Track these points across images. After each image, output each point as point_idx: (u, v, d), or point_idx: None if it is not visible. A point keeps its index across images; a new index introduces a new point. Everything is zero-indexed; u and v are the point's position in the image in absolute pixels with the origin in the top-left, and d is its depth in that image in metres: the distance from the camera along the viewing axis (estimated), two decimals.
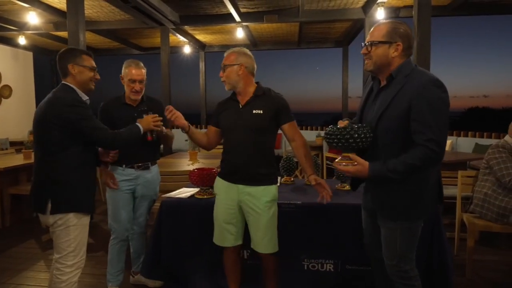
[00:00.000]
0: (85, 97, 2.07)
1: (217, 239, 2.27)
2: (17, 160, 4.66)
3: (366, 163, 1.70)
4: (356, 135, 1.71)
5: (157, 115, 2.33)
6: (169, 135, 2.68)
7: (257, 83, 2.22)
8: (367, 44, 1.76)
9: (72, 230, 2.00)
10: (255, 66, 2.20)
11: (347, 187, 2.80)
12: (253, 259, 2.52)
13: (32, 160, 4.58)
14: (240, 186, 2.17)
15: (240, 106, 2.18)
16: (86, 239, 2.11)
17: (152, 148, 2.65)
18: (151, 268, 2.57)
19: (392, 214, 1.78)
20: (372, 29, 1.79)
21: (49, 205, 1.96)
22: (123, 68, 2.59)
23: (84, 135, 1.98)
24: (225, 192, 2.22)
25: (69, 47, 2.13)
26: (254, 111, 2.13)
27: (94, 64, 2.13)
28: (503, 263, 3.26)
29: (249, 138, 2.12)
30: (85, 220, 2.06)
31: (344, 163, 1.74)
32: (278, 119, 2.17)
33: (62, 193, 1.97)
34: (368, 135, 1.72)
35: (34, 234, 4.13)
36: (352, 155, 1.74)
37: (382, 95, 1.77)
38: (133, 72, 2.53)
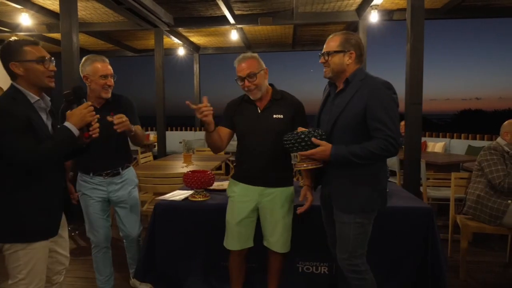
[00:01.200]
0: (34, 98, 1.69)
1: (230, 243, 2.23)
2: None
3: (329, 145, 1.85)
4: (307, 138, 1.85)
5: (90, 102, 1.77)
6: (139, 133, 2.36)
7: (271, 85, 2.23)
8: (324, 54, 1.95)
9: (21, 254, 1.68)
10: None
11: None
12: (249, 262, 2.51)
13: None
14: (261, 188, 2.18)
15: (259, 111, 2.17)
16: (42, 266, 1.75)
17: (118, 151, 2.42)
18: (145, 272, 2.55)
19: (347, 206, 1.91)
20: (327, 40, 1.98)
21: None
22: (83, 66, 2.36)
23: (2, 155, 1.59)
24: (243, 195, 2.20)
25: (8, 40, 1.70)
26: (274, 116, 2.15)
27: (43, 53, 1.69)
28: (496, 264, 3.28)
29: (269, 142, 2.13)
30: (38, 244, 1.71)
31: (305, 164, 1.92)
32: (294, 122, 2.17)
33: (2, 217, 1.65)
34: (321, 138, 1.86)
35: None
36: (315, 140, 1.86)
37: (340, 98, 1.94)
38: (101, 66, 2.32)
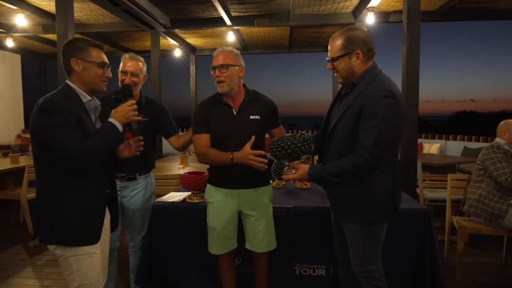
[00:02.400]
0: (86, 98, 1.70)
1: (215, 249, 2.21)
2: (4, 164, 4.57)
3: (307, 167, 1.84)
4: (293, 145, 1.84)
5: (133, 101, 1.77)
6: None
7: (243, 85, 2.19)
8: (329, 60, 1.84)
9: (72, 261, 1.65)
10: None
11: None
12: (245, 267, 2.51)
13: (19, 164, 4.51)
14: (242, 191, 2.15)
15: (235, 112, 2.11)
16: (96, 270, 1.71)
17: (142, 154, 1.99)
18: (144, 276, 2.51)
19: (349, 217, 1.84)
20: (330, 43, 1.84)
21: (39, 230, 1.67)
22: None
23: (51, 151, 1.57)
24: (222, 200, 2.16)
25: (76, 37, 1.72)
26: (251, 117, 2.11)
27: (104, 58, 1.73)
28: (492, 265, 3.30)
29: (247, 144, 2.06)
30: (88, 249, 1.67)
31: (289, 172, 1.91)
32: (269, 123, 2.18)
33: (47, 218, 1.64)
34: (301, 144, 1.84)
35: (21, 239, 4.05)
36: (296, 163, 1.88)
37: (345, 100, 1.85)
38: (127, 63, 2.33)
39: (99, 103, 1.79)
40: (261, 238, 2.18)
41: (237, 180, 2.12)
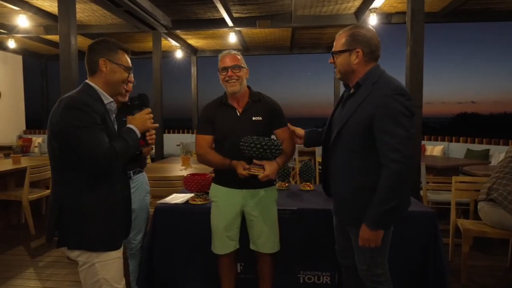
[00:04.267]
0: (108, 99, 1.67)
1: (217, 248, 2.22)
2: (6, 165, 4.56)
3: (274, 163, 2.00)
4: (266, 146, 1.94)
5: (150, 109, 1.80)
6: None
7: (248, 87, 2.22)
8: (332, 53, 1.83)
9: (98, 267, 1.59)
10: None
11: None
12: (247, 273, 2.49)
13: (21, 165, 4.50)
14: (245, 191, 2.16)
15: (238, 113, 2.16)
16: (120, 277, 1.67)
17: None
18: (145, 278, 2.49)
19: (357, 222, 1.78)
20: (336, 37, 1.84)
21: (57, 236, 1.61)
22: None
23: (76, 151, 1.51)
24: (226, 199, 2.19)
25: (105, 38, 1.71)
26: (253, 118, 2.15)
27: (130, 63, 1.73)
28: (497, 268, 3.27)
29: None
30: (114, 254, 1.64)
31: (252, 170, 2.01)
32: (272, 124, 2.20)
33: (68, 223, 1.58)
34: (277, 148, 1.96)
35: (22, 240, 4.03)
36: (264, 162, 1.99)
37: (350, 102, 1.80)
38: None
39: (115, 106, 1.75)
40: (266, 238, 2.19)
41: (241, 180, 2.12)
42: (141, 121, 1.70)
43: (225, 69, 2.11)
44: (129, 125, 1.68)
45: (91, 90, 1.63)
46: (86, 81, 1.68)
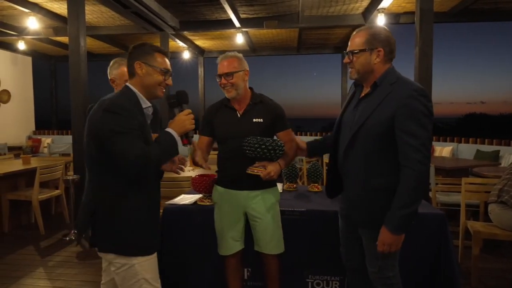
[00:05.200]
0: (146, 104, 1.66)
1: (223, 250, 2.23)
2: (16, 165, 4.62)
3: (276, 163, 2.04)
4: (270, 147, 1.98)
5: (190, 110, 1.74)
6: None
7: (250, 88, 2.22)
8: (348, 53, 1.76)
9: (138, 268, 1.58)
10: None
11: None
12: (254, 280, 2.49)
13: (30, 165, 4.54)
14: (247, 192, 2.16)
15: (239, 115, 2.16)
16: (157, 276, 1.68)
17: None
18: None
19: (367, 222, 1.78)
20: (352, 37, 1.77)
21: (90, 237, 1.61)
22: (110, 69, 2.41)
23: (111, 154, 1.51)
24: (228, 201, 2.19)
25: (143, 42, 1.72)
26: (254, 120, 2.15)
27: (168, 66, 1.71)
28: (508, 271, 3.23)
29: None
30: (153, 255, 1.66)
31: (256, 170, 2.04)
32: (274, 127, 2.20)
33: (104, 227, 1.58)
34: (280, 149, 2.01)
35: (32, 240, 4.08)
36: (266, 163, 2.04)
37: (366, 102, 1.76)
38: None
39: (152, 111, 1.73)
40: (269, 239, 2.18)
41: (243, 181, 2.13)
42: (179, 124, 1.67)
43: (219, 76, 2.13)
44: (167, 129, 1.65)
45: (130, 93, 1.64)
46: (127, 83, 1.69)
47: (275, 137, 2.20)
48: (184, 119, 1.68)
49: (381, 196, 1.71)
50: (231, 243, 2.20)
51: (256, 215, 2.17)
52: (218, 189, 2.25)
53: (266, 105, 2.20)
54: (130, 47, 1.69)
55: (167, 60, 1.71)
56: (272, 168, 2.04)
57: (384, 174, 1.71)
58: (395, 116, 1.63)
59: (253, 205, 2.17)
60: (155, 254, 1.67)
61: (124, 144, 1.48)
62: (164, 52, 1.71)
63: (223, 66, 2.12)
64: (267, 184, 2.16)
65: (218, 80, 2.15)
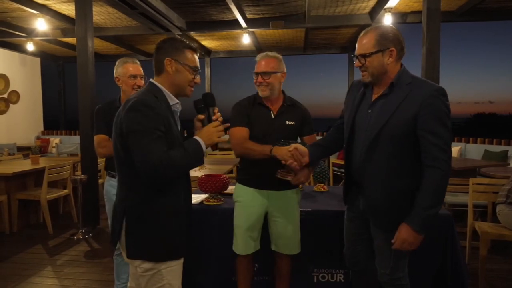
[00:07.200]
0: (173, 101, 1.59)
1: (239, 248, 2.21)
2: (25, 165, 4.67)
3: (305, 168, 2.00)
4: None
5: (218, 122, 1.65)
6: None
7: (282, 91, 2.23)
8: (359, 57, 1.71)
9: (165, 273, 1.54)
10: None
11: None
12: (261, 274, 2.50)
13: (39, 165, 4.59)
14: (270, 192, 2.18)
15: (273, 116, 2.17)
16: (180, 280, 1.62)
17: None
18: None
19: (385, 224, 1.75)
20: (359, 39, 1.72)
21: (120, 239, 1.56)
22: (116, 68, 2.44)
23: (131, 154, 1.44)
24: (251, 199, 2.20)
25: (173, 36, 1.64)
26: (287, 122, 2.17)
27: (197, 63, 1.63)
28: None
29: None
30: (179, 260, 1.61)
31: (289, 177, 2.03)
32: (302, 130, 2.23)
33: (133, 231, 1.52)
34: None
35: (40, 239, 4.12)
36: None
37: (383, 103, 1.71)
38: (131, 67, 2.39)
39: (181, 108, 1.66)
40: (288, 239, 2.20)
41: (266, 180, 2.14)
42: (207, 135, 1.59)
43: (256, 74, 2.14)
44: (195, 137, 1.58)
45: (156, 90, 1.56)
46: (151, 80, 1.61)
47: (299, 140, 2.22)
48: (213, 131, 1.60)
49: (403, 198, 1.69)
50: (249, 242, 2.20)
51: (277, 215, 2.19)
52: (241, 188, 2.25)
53: (298, 108, 2.24)
54: (160, 41, 1.60)
55: (196, 57, 1.63)
56: (302, 174, 2.02)
57: (407, 175, 1.69)
58: (417, 116, 1.61)
59: (275, 205, 2.18)
60: (181, 259, 1.62)
61: (144, 145, 1.41)
62: (194, 49, 1.62)
63: (261, 65, 2.13)
64: (290, 185, 2.15)
65: (254, 78, 2.15)
